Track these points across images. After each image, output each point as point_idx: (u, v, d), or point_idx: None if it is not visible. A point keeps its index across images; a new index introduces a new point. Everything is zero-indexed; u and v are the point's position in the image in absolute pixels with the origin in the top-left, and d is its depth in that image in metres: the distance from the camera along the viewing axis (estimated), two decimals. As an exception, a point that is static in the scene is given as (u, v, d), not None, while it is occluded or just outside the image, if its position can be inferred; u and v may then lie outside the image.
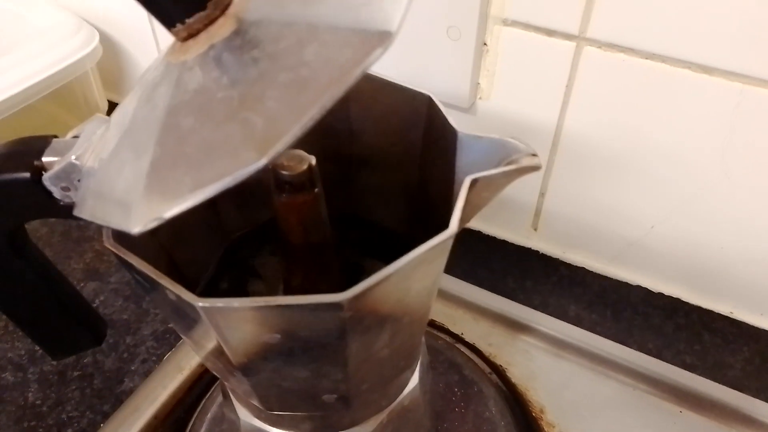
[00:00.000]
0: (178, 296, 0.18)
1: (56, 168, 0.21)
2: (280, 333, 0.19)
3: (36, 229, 0.51)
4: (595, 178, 0.43)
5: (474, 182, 0.21)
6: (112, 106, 0.63)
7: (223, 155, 0.15)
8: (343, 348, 0.20)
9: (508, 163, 0.22)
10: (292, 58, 0.15)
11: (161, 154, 0.16)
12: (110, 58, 0.60)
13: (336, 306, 0.18)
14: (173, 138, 0.16)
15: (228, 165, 0.14)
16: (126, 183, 0.17)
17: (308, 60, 0.15)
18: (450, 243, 0.20)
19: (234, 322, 0.19)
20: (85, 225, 0.53)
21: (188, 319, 0.21)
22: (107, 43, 0.60)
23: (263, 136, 0.14)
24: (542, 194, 0.46)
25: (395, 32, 0.14)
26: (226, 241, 0.29)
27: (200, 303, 0.18)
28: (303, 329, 0.19)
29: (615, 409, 0.39)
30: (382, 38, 0.15)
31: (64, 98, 0.57)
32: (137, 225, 0.16)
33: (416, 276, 0.20)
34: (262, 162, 0.14)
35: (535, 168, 0.21)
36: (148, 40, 0.57)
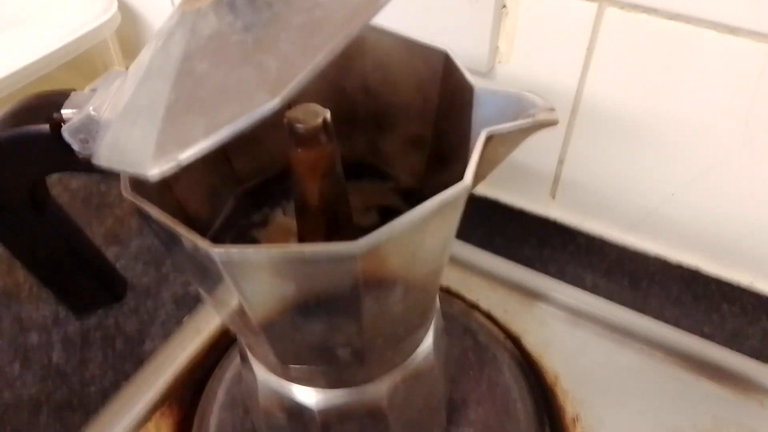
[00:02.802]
0: (194, 244, 0.19)
1: (75, 120, 0.22)
2: (295, 283, 0.19)
3: (58, 195, 0.52)
4: (615, 145, 0.43)
5: (490, 136, 0.21)
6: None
7: (237, 98, 0.15)
8: (356, 301, 0.20)
9: (525, 117, 0.21)
10: (306, 1, 0.15)
11: (176, 100, 0.16)
12: (129, 26, 0.60)
13: (350, 254, 0.18)
14: (188, 83, 0.16)
15: (242, 107, 0.14)
16: (142, 130, 0.17)
17: (322, 2, 0.15)
18: (464, 197, 0.20)
19: (249, 271, 0.19)
20: (106, 191, 0.53)
21: (205, 271, 0.21)
22: (126, 10, 0.60)
23: (277, 77, 0.14)
24: (561, 161, 0.46)
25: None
26: (238, 192, 0.29)
27: (215, 250, 0.18)
28: (317, 280, 0.19)
29: (630, 377, 0.39)
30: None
31: (82, 66, 0.57)
32: (154, 170, 0.16)
33: (430, 229, 0.20)
34: (275, 102, 0.14)
35: (552, 122, 0.21)
36: (167, 7, 0.57)
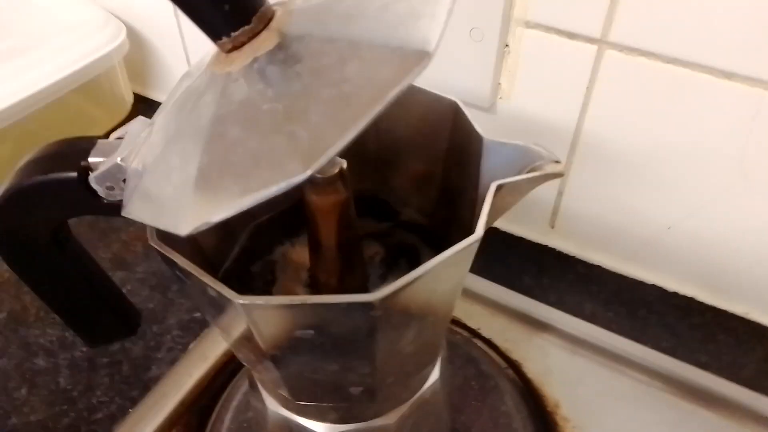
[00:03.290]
0: (218, 293, 0.19)
1: (102, 168, 0.23)
2: (313, 328, 0.20)
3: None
4: (614, 179, 0.44)
5: (499, 187, 0.22)
6: (137, 99, 0.64)
7: (269, 165, 0.16)
8: (372, 344, 0.21)
9: (532, 170, 0.22)
10: (335, 74, 0.16)
11: (208, 162, 0.17)
12: (136, 52, 0.61)
13: (367, 305, 0.19)
14: (220, 147, 0.17)
15: (274, 175, 0.16)
16: (174, 187, 0.18)
17: (350, 76, 0.16)
18: (476, 246, 0.21)
19: (270, 318, 0.20)
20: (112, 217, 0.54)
21: (224, 312, 0.22)
22: (133, 36, 0.61)
23: (308, 148, 0.15)
24: (560, 193, 0.47)
25: (433, 52, 0.15)
26: (251, 226, 0.30)
27: (240, 300, 0.19)
28: (334, 326, 0.20)
29: (629, 405, 0.40)
30: (420, 57, 0.15)
31: (91, 91, 0.58)
32: (187, 228, 0.17)
33: (442, 277, 0.21)
34: (308, 174, 0.15)
35: (558, 175, 0.22)
36: (174, 34, 0.58)
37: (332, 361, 0.23)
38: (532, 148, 0.23)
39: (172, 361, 0.44)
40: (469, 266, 0.23)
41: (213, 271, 0.24)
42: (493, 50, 0.41)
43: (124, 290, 0.49)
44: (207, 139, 0.18)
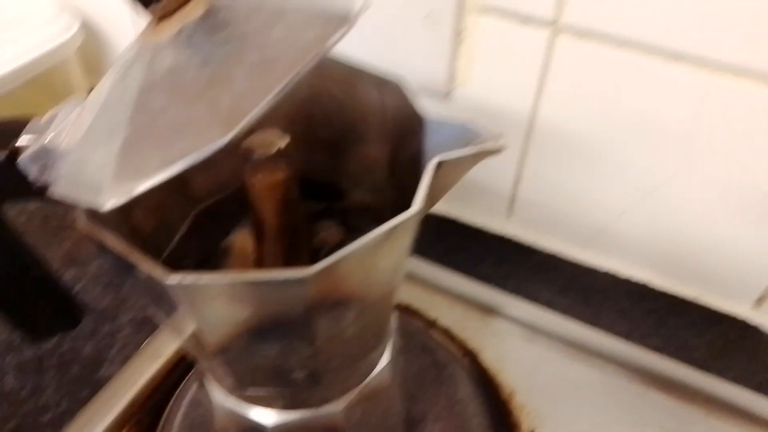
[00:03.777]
0: (148, 273, 0.19)
1: (31, 149, 0.22)
2: (249, 308, 0.20)
3: (14, 216, 0.51)
4: (568, 166, 0.44)
5: (439, 164, 0.22)
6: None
7: (191, 133, 0.15)
8: (310, 324, 0.21)
9: (473, 145, 0.22)
10: (260, 39, 0.16)
11: (132, 134, 0.17)
12: (93, 44, 0.60)
13: (301, 281, 0.18)
14: (144, 118, 0.17)
15: (194, 142, 0.15)
16: (98, 162, 0.18)
17: (274, 41, 0.16)
18: (414, 222, 0.21)
19: (204, 298, 0.20)
20: (63, 213, 0.53)
21: (162, 297, 0.21)
22: (89, 29, 0.59)
23: (228, 114, 0.15)
24: (517, 181, 0.47)
25: (354, 16, 0.15)
26: (194, 212, 0.29)
27: (169, 280, 0.18)
28: (271, 304, 0.20)
29: (584, 389, 0.40)
30: (343, 22, 0.15)
31: (44, 85, 0.57)
32: (107, 201, 0.16)
33: (381, 253, 0.20)
34: (226, 139, 0.14)
35: (497, 149, 0.22)
36: (129, 26, 0.57)
37: (273, 342, 0.22)
38: (473, 126, 0.23)
39: (124, 360, 0.43)
40: (408, 244, 0.23)
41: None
42: (448, 37, 0.41)
43: (76, 288, 0.48)
44: (133, 110, 0.17)
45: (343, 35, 0.15)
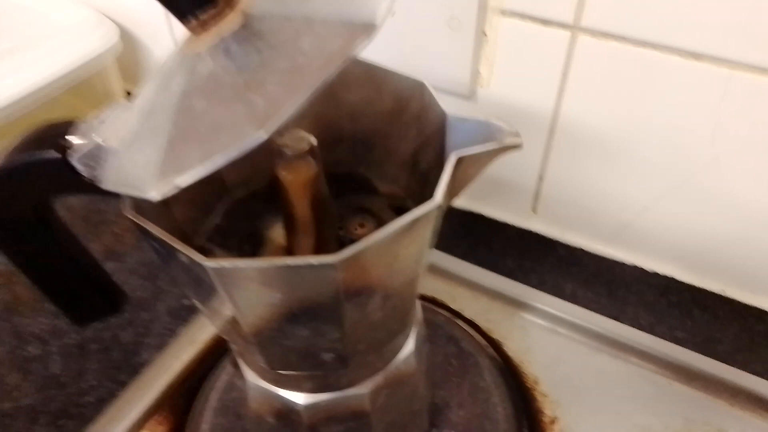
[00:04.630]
0: (189, 258, 0.21)
1: (83, 147, 0.24)
2: (281, 292, 0.21)
3: (58, 213, 0.54)
4: (591, 163, 0.45)
5: (460, 159, 0.23)
6: (129, 98, 0.65)
7: (229, 131, 0.17)
8: (338, 308, 0.22)
9: (492, 142, 0.23)
10: (290, 48, 0.17)
11: (176, 133, 0.19)
12: (129, 52, 0.62)
13: (330, 266, 0.20)
14: (187, 118, 0.19)
15: (233, 139, 0.17)
16: (145, 159, 0.19)
17: (304, 49, 0.17)
18: (435, 213, 0.22)
19: (239, 282, 0.21)
20: (104, 209, 0.55)
21: (200, 283, 0.23)
22: (126, 36, 0.62)
23: (263, 113, 0.16)
24: (541, 178, 0.48)
25: (378, 24, 0.16)
26: (229, 203, 0.31)
27: (208, 264, 0.20)
28: (301, 289, 0.21)
29: (606, 380, 0.41)
30: (367, 30, 0.17)
31: (85, 91, 0.59)
32: (155, 192, 0.18)
33: (404, 242, 0.22)
34: (262, 135, 0.16)
35: (515, 145, 0.23)
36: (165, 35, 0.59)
37: (303, 326, 0.24)
38: (492, 122, 0.24)
39: (161, 347, 0.45)
40: (430, 235, 0.24)
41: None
42: (471, 39, 0.42)
43: (114, 279, 0.50)
44: (176, 113, 0.19)
45: (367, 42, 0.17)
